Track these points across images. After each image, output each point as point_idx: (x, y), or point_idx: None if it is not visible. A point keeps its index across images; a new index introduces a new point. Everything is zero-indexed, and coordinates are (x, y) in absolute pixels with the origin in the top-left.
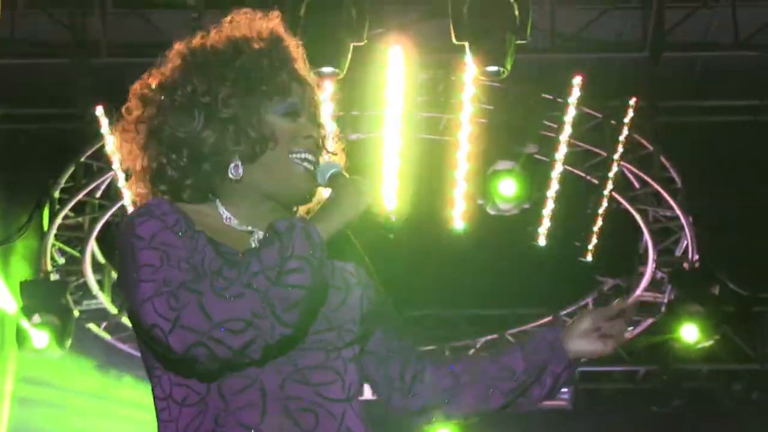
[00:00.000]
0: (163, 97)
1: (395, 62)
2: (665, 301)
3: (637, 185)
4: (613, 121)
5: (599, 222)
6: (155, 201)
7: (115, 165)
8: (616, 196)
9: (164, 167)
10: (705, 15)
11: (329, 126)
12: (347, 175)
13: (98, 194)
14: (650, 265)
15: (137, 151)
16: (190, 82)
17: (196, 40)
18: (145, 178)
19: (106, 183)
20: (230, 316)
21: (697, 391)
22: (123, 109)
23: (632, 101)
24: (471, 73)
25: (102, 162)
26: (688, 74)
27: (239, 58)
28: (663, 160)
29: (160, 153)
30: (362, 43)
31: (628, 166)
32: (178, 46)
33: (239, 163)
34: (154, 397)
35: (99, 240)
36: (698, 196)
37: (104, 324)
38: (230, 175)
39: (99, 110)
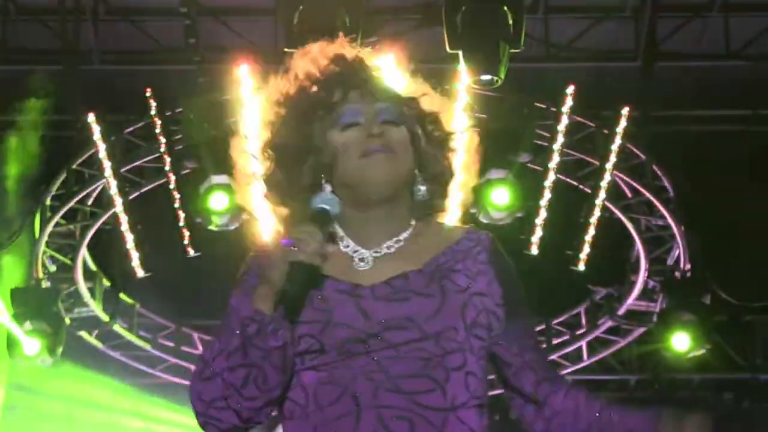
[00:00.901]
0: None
1: (388, 71)
2: (657, 310)
3: (629, 194)
4: (605, 131)
5: (591, 231)
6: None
7: (107, 173)
8: (609, 205)
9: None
10: (697, 25)
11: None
12: (327, 214)
13: (90, 202)
14: (642, 274)
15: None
16: (270, 132)
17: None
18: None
19: (97, 190)
20: (208, 397)
21: (688, 400)
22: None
23: (625, 110)
24: (464, 82)
25: (94, 169)
26: (681, 84)
27: (291, 94)
28: (655, 169)
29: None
30: None
31: (621, 175)
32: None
33: (325, 185)
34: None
35: (90, 248)
36: (690, 205)
37: (95, 332)
38: (325, 196)
39: (91, 117)
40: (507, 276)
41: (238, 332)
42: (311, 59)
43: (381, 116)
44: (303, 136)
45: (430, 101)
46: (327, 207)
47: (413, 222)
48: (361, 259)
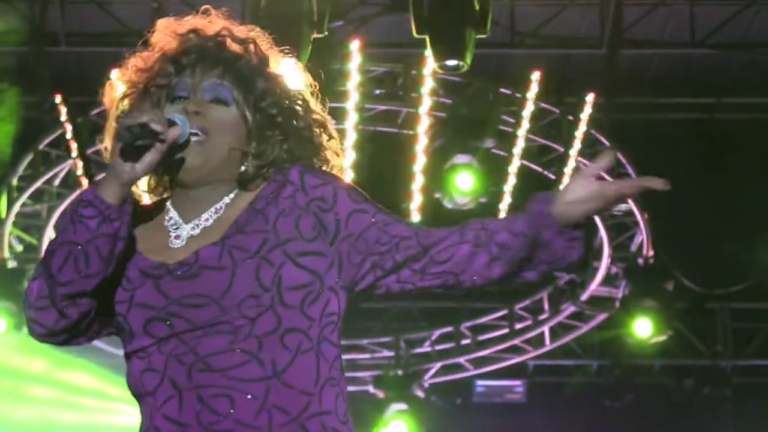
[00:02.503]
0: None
1: (354, 55)
2: (619, 296)
3: None
4: (570, 117)
5: None
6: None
7: (74, 154)
8: None
9: None
10: (663, 13)
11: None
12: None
13: (56, 182)
14: (605, 261)
15: None
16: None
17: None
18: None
19: (64, 171)
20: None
21: (649, 385)
22: None
23: (589, 97)
24: (430, 67)
25: (61, 150)
26: (645, 71)
27: (132, 76)
28: (619, 156)
29: None
30: (322, 35)
31: (585, 161)
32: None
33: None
34: None
35: (56, 228)
36: (653, 192)
37: None
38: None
39: (58, 98)
40: (328, 194)
41: (68, 213)
42: (165, 33)
43: (207, 93)
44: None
45: (274, 81)
46: (178, 122)
47: (236, 191)
48: (177, 237)
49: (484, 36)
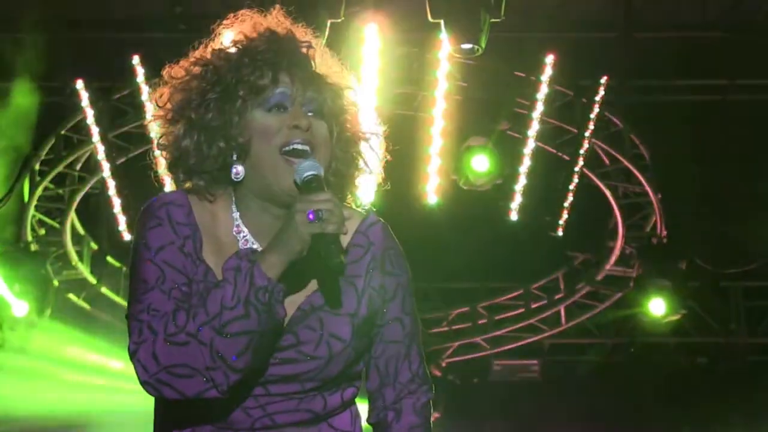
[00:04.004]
0: (160, 114)
1: (371, 39)
2: (634, 275)
3: (607, 162)
4: (584, 99)
5: (570, 197)
6: (177, 196)
7: (95, 138)
8: (587, 172)
9: (176, 181)
10: None
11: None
12: (321, 179)
13: (78, 166)
14: (619, 240)
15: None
16: (174, 96)
17: (197, 51)
18: (166, 162)
19: (86, 155)
20: (174, 362)
21: (664, 363)
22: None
23: (603, 80)
24: (446, 51)
25: (82, 135)
26: (658, 54)
27: (219, 64)
28: (633, 137)
29: (168, 167)
30: (339, 20)
31: (599, 143)
32: (192, 57)
33: (239, 167)
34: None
35: (78, 212)
36: (667, 173)
37: (83, 294)
38: (234, 179)
39: (79, 84)
40: (390, 287)
41: (241, 300)
42: (241, 32)
43: (308, 106)
44: (222, 114)
45: (350, 96)
46: (317, 172)
47: None
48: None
49: (498, 20)
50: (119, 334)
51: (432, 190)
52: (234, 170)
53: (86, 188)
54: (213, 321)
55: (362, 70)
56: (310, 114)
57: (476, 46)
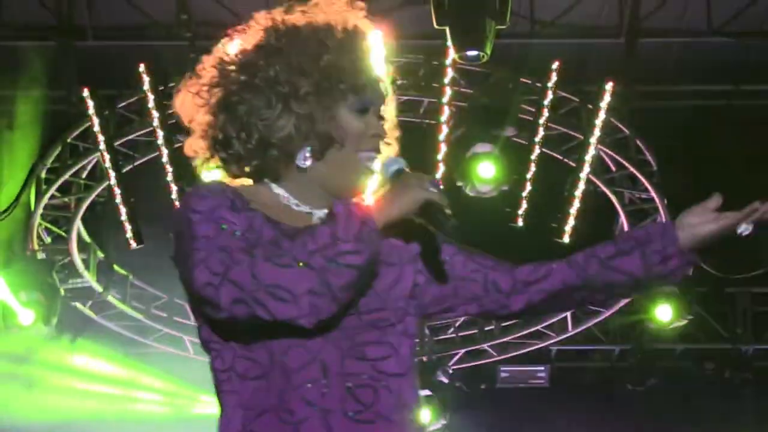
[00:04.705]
0: (243, 76)
1: (376, 46)
2: None
3: (613, 168)
4: (589, 105)
5: (576, 204)
6: (215, 184)
7: (101, 146)
8: (593, 178)
9: (231, 140)
10: (680, 2)
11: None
12: (410, 171)
13: (84, 174)
14: None
15: (206, 115)
16: (272, 67)
17: (280, 17)
18: (207, 141)
19: (92, 164)
20: (277, 282)
21: (671, 369)
22: (197, 69)
23: (609, 86)
24: (451, 58)
25: (88, 143)
26: (664, 60)
27: (323, 54)
28: (638, 143)
29: (229, 126)
30: None
31: (605, 149)
32: (263, 20)
33: (308, 155)
34: (213, 370)
35: (85, 220)
36: (673, 178)
37: (89, 303)
38: (298, 164)
39: (85, 92)
40: None
41: (352, 237)
42: (337, 21)
43: (384, 111)
44: (316, 105)
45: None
46: (402, 166)
47: None
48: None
49: (503, 26)
50: (125, 342)
51: None
52: (303, 157)
53: (92, 196)
54: (325, 250)
55: None
56: (383, 122)
57: (481, 53)
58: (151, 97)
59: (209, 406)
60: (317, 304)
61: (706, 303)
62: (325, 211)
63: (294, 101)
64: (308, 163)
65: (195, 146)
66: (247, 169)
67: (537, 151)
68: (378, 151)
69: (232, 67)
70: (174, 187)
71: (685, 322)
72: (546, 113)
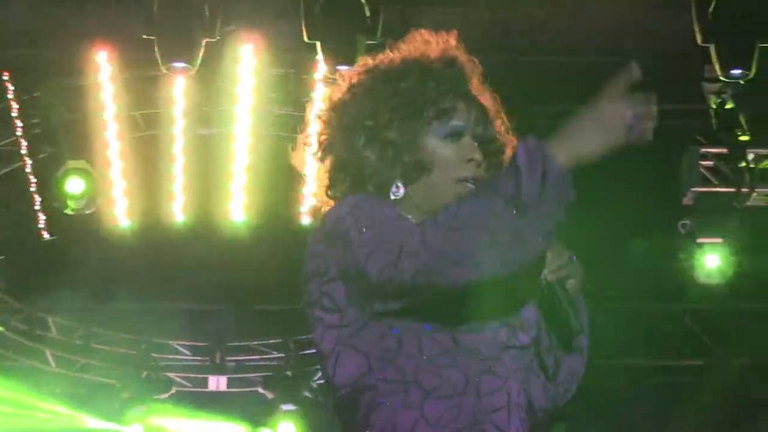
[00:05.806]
0: (333, 117)
1: (247, 59)
2: None
3: None
4: None
5: None
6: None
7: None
8: None
9: (335, 182)
10: None
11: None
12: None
13: None
14: None
15: (317, 161)
16: (357, 103)
17: (374, 60)
18: (320, 187)
19: None
20: (453, 248)
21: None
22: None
23: None
24: (322, 72)
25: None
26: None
27: (405, 81)
28: None
29: (333, 168)
30: (215, 40)
31: None
32: (359, 63)
33: (400, 185)
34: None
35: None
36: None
37: None
38: (391, 196)
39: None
40: None
41: (536, 188)
42: (419, 51)
43: (478, 138)
44: (403, 133)
45: (499, 126)
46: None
47: None
48: None
49: (374, 42)
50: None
51: (305, 212)
52: (395, 188)
53: None
54: (514, 197)
55: (237, 90)
56: (478, 146)
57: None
58: (14, 105)
59: (69, 419)
60: (510, 254)
61: None
62: None
63: (377, 131)
64: (401, 193)
65: (317, 197)
66: None
67: None
68: (474, 175)
69: (326, 111)
70: (37, 198)
71: None
72: None
